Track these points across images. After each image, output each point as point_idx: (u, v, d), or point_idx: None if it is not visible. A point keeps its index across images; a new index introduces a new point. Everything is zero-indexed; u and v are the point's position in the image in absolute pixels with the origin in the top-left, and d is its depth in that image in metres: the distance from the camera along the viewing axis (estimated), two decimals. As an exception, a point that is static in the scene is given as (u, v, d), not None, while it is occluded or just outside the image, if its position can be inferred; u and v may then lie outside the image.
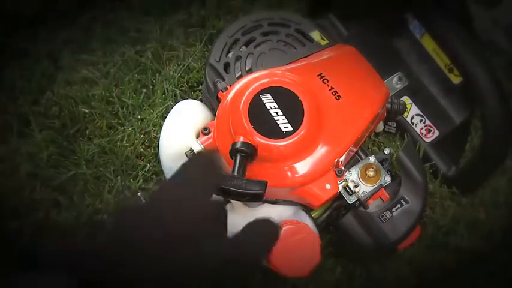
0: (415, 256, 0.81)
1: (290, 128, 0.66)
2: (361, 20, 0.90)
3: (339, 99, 0.72)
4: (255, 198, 0.62)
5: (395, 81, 0.87)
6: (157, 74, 0.94)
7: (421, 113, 0.86)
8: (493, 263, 0.82)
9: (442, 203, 0.85)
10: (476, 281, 0.81)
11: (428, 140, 0.86)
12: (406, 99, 0.86)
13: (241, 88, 0.71)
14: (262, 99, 0.68)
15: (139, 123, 0.89)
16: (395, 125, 0.87)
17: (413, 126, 0.86)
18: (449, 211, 0.84)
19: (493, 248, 0.83)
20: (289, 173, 0.68)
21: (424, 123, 0.86)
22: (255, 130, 0.66)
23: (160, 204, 0.47)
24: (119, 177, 0.85)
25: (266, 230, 0.53)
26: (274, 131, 0.66)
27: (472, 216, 0.85)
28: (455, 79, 0.87)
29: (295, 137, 0.66)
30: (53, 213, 0.83)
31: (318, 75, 0.74)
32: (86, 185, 0.85)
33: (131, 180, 0.85)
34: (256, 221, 0.53)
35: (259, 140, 0.65)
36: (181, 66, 0.95)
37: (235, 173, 0.63)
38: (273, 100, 0.68)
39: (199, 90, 0.92)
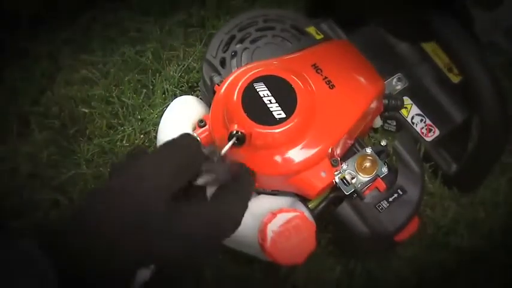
0: (415, 256, 0.81)
1: (283, 115, 0.67)
2: (363, 26, 0.91)
3: (332, 88, 0.73)
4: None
5: (395, 82, 0.88)
6: (157, 74, 0.94)
7: (421, 113, 0.86)
8: (493, 263, 0.82)
9: (442, 203, 0.85)
10: (476, 281, 0.81)
11: (429, 139, 0.86)
12: (406, 99, 0.86)
13: (235, 78, 0.71)
14: (256, 87, 0.68)
15: (139, 123, 0.89)
16: (395, 123, 0.87)
17: (414, 126, 0.86)
18: (449, 211, 0.84)
19: (493, 248, 0.83)
20: (283, 161, 0.68)
21: (425, 122, 0.86)
22: (249, 118, 0.66)
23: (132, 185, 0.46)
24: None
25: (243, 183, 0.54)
26: (267, 118, 0.66)
27: (472, 216, 0.84)
28: (455, 78, 0.88)
29: (288, 124, 0.66)
30: (53, 213, 0.83)
31: (311, 65, 0.75)
32: (86, 185, 0.85)
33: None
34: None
35: (253, 127, 0.66)
36: (181, 66, 0.95)
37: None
38: (266, 88, 0.68)
39: (199, 90, 0.92)
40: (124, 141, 0.88)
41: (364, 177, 0.73)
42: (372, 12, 0.91)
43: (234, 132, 0.65)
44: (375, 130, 0.88)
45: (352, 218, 0.71)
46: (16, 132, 0.89)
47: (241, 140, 0.65)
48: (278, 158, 0.68)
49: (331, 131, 0.70)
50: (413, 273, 0.81)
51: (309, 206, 0.73)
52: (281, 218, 0.68)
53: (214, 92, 0.76)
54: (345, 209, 0.72)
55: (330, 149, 0.70)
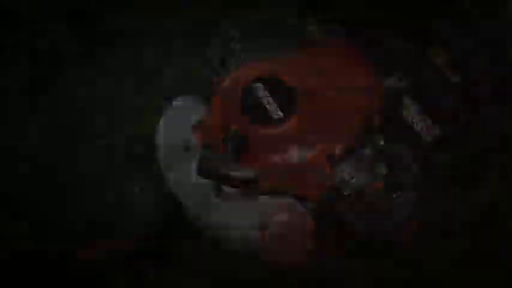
0: (414, 256, 0.81)
1: (282, 116, 0.67)
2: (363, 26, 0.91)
3: (331, 89, 0.73)
4: (248, 183, 0.62)
5: (395, 81, 0.87)
6: (157, 74, 0.94)
7: (421, 113, 0.86)
8: (492, 263, 0.82)
9: (441, 203, 0.85)
10: (476, 281, 0.81)
11: (429, 139, 0.86)
12: (406, 99, 0.86)
13: (234, 79, 0.72)
14: (255, 88, 0.69)
15: (139, 123, 0.89)
16: (394, 123, 0.87)
17: (414, 126, 0.86)
18: (449, 211, 0.84)
19: (493, 247, 0.83)
20: (282, 161, 0.69)
21: (425, 122, 0.86)
22: (247, 118, 0.67)
23: None
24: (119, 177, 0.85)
25: None
26: (265, 119, 0.67)
27: (472, 216, 0.84)
28: (455, 78, 0.87)
29: (287, 125, 0.67)
30: (53, 213, 0.83)
31: (311, 66, 0.76)
32: (85, 186, 0.85)
33: (131, 180, 0.85)
34: None
35: (251, 127, 0.66)
36: (181, 67, 0.95)
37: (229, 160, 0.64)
38: (265, 89, 0.69)
39: (199, 90, 0.92)
40: (124, 141, 0.88)
41: (363, 177, 0.73)
42: (372, 13, 0.91)
43: (233, 131, 0.65)
44: (375, 130, 0.88)
45: (352, 218, 0.71)
46: (16, 132, 0.89)
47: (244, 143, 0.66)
48: (276, 159, 0.68)
49: (330, 131, 0.70)
50: (413, 273, 0.81)
51: (308, 206, 0.73)
52: (280, 219, 0.68)
53: (213, 93, 0.76)
54: (344, 208, 0.72)
55: (329, 150, 0.70)
